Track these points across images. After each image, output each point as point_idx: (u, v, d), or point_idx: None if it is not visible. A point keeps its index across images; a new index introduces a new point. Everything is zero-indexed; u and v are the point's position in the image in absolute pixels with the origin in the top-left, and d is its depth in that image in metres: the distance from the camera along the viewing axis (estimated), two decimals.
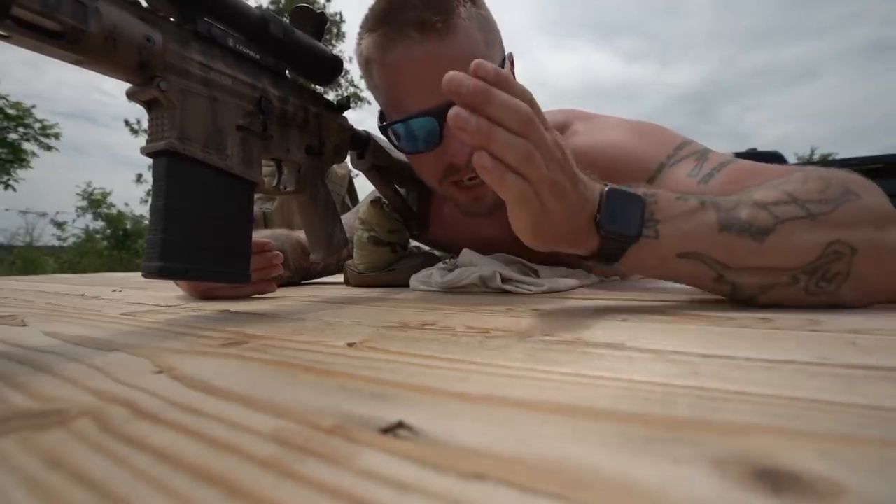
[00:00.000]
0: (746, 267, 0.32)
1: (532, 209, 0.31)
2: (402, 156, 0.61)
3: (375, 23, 0.50)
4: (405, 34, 0.48)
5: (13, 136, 7.40)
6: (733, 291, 0.33)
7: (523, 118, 0.29)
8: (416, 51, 0.48)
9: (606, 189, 0.34)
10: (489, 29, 0.52)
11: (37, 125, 7.55)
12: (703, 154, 0.47)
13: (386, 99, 0.53)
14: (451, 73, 0.29)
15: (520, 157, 0.29)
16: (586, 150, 0.53)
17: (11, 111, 7.34)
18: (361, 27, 0.52)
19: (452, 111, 0.29)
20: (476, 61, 0.29)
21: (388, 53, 0.49)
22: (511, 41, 0.58)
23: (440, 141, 0.50)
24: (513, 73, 0.57)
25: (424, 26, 0.47)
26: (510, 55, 0.56)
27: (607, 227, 0.33)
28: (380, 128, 0.55)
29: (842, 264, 0.31)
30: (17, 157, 7.47)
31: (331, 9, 9.71)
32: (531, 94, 0.31)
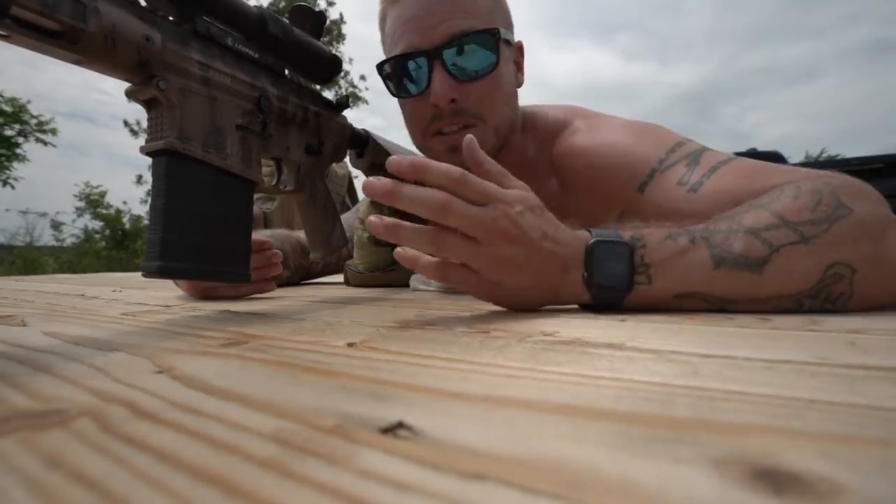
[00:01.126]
0: (747, 298, 0.32)
1: (471, 283, 0.33)
2: (401, 154, 0.61)
3: None
4: None
5: (9, 132, 7.37)
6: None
7: (434, 208, 0.31)
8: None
9: (592, 241, 0.33)
10: (498, 1, 0.54)
11: (33, 121, 7.53)
12: (695, 157, 0.46)
13: (389, 43, 0.55)
14: (365, 181, 0.31)
15: (431, 248, 0.32)
16: (584, 150, 0.53)
17: (7, 108, 7.31)
18: None
19: (369, 220, 0.32)
20: (389, 159, 0.31)
21: (397, 3, 0.53)
22: (516, 35, 0.59)
23: (428, 85, 0.52)
24: (522, 61, 0.58)
25: None
26: (520, 43, 0.57)
27: (597, 286, 0.33)
28: (378, 71, 0.56)
29: (843, 285, 0.31)
30: (13, 152, 7.45)
31: (333, 13, 9.69)
32: (457, 174, 0.32)
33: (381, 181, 0.31)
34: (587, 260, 0.33)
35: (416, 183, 0.32)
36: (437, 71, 0.50)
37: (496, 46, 0.51)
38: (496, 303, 0.35)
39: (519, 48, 0.57)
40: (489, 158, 0.35)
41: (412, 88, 0.54)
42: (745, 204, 0.36)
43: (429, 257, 0.33)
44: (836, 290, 0.31)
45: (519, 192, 0.34)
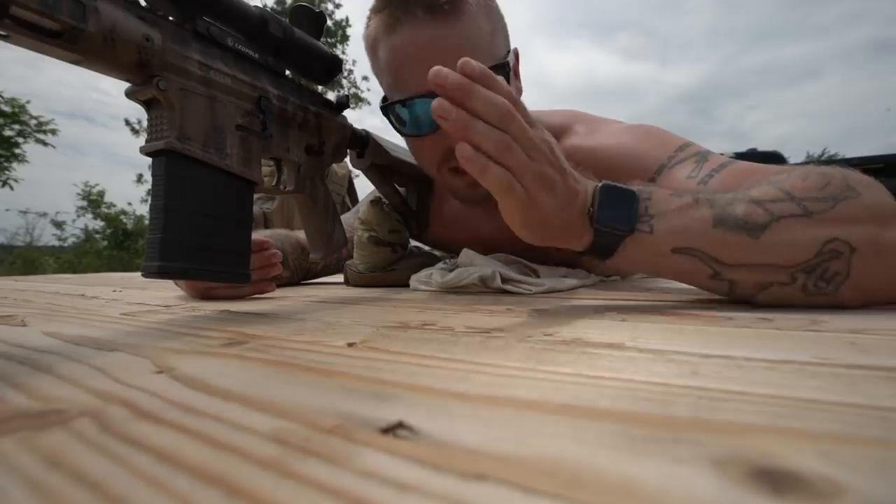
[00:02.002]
0: (742, 264, 0.32)
1: (518, 198, 0.32)
2: (401, 154, 0.61)
3: (383, 3, 0.51)
4: (412, 14, 0.48)
5: (8, 132, 7.33)
6: (731, 289, 0.33)
7: (502, 112, 0.31)
8: (422, 31, 0.49)
9: (600, 184, 0.35)
10: (496, 19, 0.53)
11: (32, 122, 7.50)
12: (703, 156, 0.47)
13: (390, 80, 0.53)
14: (437, 68, 0.30)
15: (498, 146, 0.31)
16: (587, 150, 0.53)
17: (6, 108, 7.28)
18: (370, 10, 0.53)
19: (436, 102, 0.30)
20: (463, 59, 0.31)
21: (394, 33, 0.50)
22: (511, 42, 0.58)
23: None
24: (518, 67, 0.58)
25: (432, 7, 0.48)
26: (516, 50, 0.57)
27: (601, 221, 0.34)
28: (382, 109, 0.55)
29: (840, 263, 0.31)
30: (12, 153, 7.41)
31: (339, 15, 9.67)
32: (515, 94, 0.33)
33: (454, 73, 0.31)
34: (593, 200, 0.34)
35: None
36: None
37: (506, 78, 0.51)
38: (526, 227, 0.35)
39: (516, 56, 0.57)
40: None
41: (423, 128, 0.53)
42: (751, 181, 0.37)
43: (499, 167, 0.32)
44: (833, 267, 0.31)
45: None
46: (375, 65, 0.55)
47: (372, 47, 0.54)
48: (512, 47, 0.56)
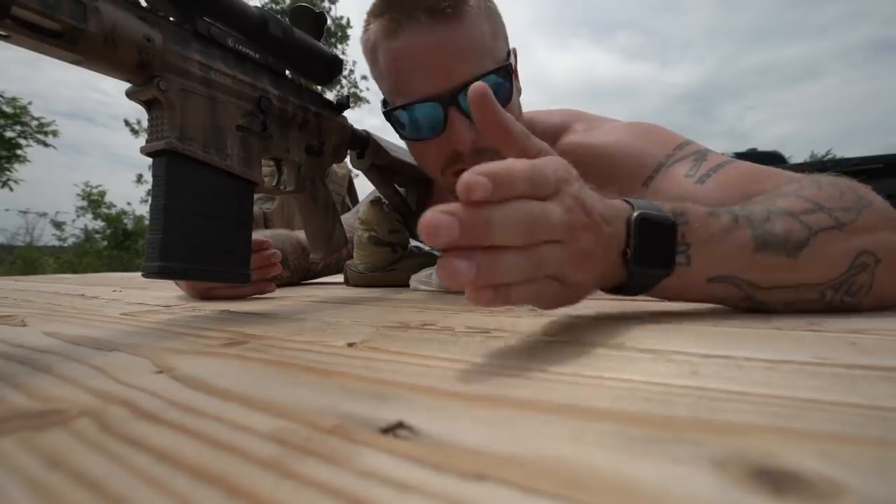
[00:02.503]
0: (777, 286, 0.30)
1: (550, 297, 0.26)
2: (401, 155, 0.61)
3: (384, 7, 0.50)
4: (414, 17, 0.48)
5: (9, 133, 7.34)
6: (755, 308, 0.31)
7: (532, 227, 0.23)
8: (424, 35, 0.48)
9: (636, 216, 0.28)
10: (496, 20, 0.53)
11: (33, 123, 7.50)
12: (701, 155, 0.47)
13: (391, 84, 0.53)
14: (434, 222, 0.20)
15: (528, 274, 0.23)
16: (585, 146, 0.53)
17: (7, 109, 7.28)
18: (368, 13, 0.52)
19: (443, 271, 0.20)
20: (463, 180, 0.20)
21: (395, 37, 0.49)
22: (510, 41, 0.58)
23: (444, 128, 0.50)
24: (516, 67, 0.57)
25: (434, 11, 0.47)
26: (514, 50, 0.57)
27: (640, 270, 0.28)
28: (384, 113, 0.55)
29: (867, 275, 0.30)
30: (13, 154, 7.41)
31: (337, 12, 9.63)
32: (538, 176, 0.24)
33: (449, 217, 0.20)
34: (628, 235, 0.28)
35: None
36: (455, 116, 0.49)
37: (509, 79, 0.50)
38: (560, 306, 0.28)
39: (515, 55, 0.56)
40: (510, 116, 0.28)
41: (425, 132, 0.52)
42: (769, 194, 0.35)
43: (525, 288, 0.23)
44: (859, 280, 0.30)
45: (556, 158, 0.28)
46: (375, 69, 0.54)
47: (371, 51, 0.53)
48: (510, 47, 0.56)
